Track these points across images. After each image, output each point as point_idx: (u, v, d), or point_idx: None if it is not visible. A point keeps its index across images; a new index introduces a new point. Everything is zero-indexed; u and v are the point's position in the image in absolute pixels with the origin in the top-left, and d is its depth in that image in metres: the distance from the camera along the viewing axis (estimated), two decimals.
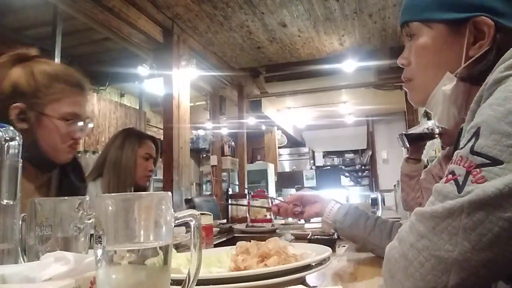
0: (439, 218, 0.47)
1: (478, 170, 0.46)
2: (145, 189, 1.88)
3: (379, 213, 1.98)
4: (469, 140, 0.49)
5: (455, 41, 0.66)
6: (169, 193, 0.45)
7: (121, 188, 1.74)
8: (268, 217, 1.96)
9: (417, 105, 0.78)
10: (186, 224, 0.46)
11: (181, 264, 0.65)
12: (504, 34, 0.62)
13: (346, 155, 9.21)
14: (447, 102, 0.69)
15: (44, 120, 1.04)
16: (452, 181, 0.49)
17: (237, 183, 5.98)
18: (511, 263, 0.45)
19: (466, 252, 0.45)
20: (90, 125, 1.19)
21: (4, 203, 0.56)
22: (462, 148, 0.50)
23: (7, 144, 0.57)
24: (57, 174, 1.18)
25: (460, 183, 0.47)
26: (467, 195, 0.46)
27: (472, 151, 0.48)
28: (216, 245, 1.30)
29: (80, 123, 1.11)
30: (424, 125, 1.81)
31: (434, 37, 0.69)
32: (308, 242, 1.04)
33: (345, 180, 8.64)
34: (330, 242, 1.16)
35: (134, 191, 1.86)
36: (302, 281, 0.66)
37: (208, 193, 6.55)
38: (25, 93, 1.01)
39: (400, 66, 0.78)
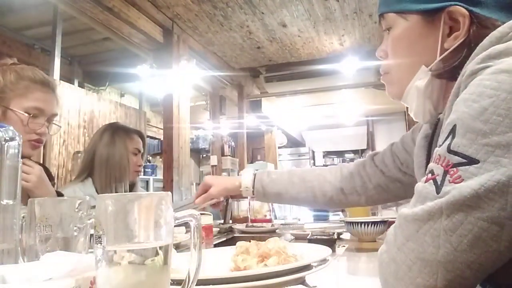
0: (420, 221, 0.47)
1: (455, 169, 0.46)
2: (134, 184, 1.85)
3: (379, 213, 1.98)
4: (446, 138, 0.49)
5: (430, 32, 0.64)
6: (169, 193, 0.45)
7: (116, 185, 1.70)
8: (268, 217, 1.96)
9: (394, 99, 0.75)
10: (186, 224, 0.46)
11: (181, 264, 0.65)
12: (480, 25, 0.59)
13: (346, 155, 9.20)
14: (422, 98, 0.68)
15: (10, 113, 1.15)
16: (431, 180, 0.48)
17: None
18: (495, 264, 0.45)
19: (449, 254, 0.44)
20: (57, 125, 1.28)
21: (4, 203, 0.56)
22: (440, 146, 0.49)
23: (7, 144, 0.57)
24: None
25: (439, 183, 0.47)
26: (444, 196, 0.45)
27: (449, 150, 0.47)
28: (216, 245, 1.30)
29: (43, 119, 1.21)
30: None
31: (409, 28, 0.67)
32: (308, 242, 1.04)
33: None
34: (330, 242, 1.17)
35: (131, 186, 1.83)
36: (302, 281, 0.66)
37: None
38: None
39: (379, 58, 0.77)
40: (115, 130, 1.78)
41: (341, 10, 3.57)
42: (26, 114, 1.17)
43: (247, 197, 1.94)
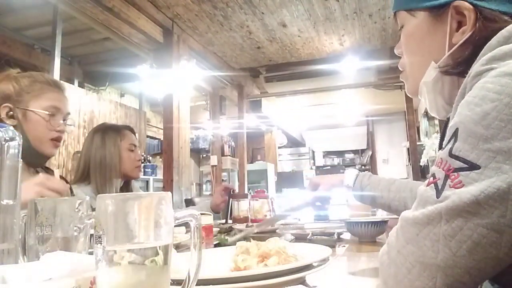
0: (420, 224, 0.47)
1: (456, 174, 0.45)
2: (131, 181, 1.85)
3: (379, 213, 1.98)
4: (448, 141, 0.48)
5: (438, 28, 0.64)
6: (169, 193, 0.45)
7: (109, 187, 1.68)
8: (268, 217, 1.96)
9: (412, 96, 0.75)
10: (186, 224, 0.46)
11: (181, 264, 0.65)
12: (486, 18, 0.58)
13: (346, 155, 9.21)
14: (432, 93, 0.68)
15: (30, 114, 1.21)
16: (432, 184, 0.48)
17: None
18: (494, 270, 0.45)
19: (447, 259, 0.44)
20: (71, 125, 1.34)
21: (4, 203, 0.56)
22: (443, 149, 0.49)
23: (7, 144, 0.57)
24: None
25: (439, 187, 0.47)
26: (444, 201, 0.45)
27: (451, 154, 0.47)
28: (216, 245, 1.30)
29: (60, 117, 1.28)
30: None
31: (417, 25, 0.68)
32: (308, 242, 1.04)
33: None
34: (330, 242, 1.17)
35: (125, 185, 1.82)
36: (302, 281, 0.66)
37: (208, 193, 6.55)
38: (11, 95, 1.20)
39: (398, 55, 0.78)
40: (104, 131, 1.76)
41: (341, 10, 3.57)
42: (47, 112, 1.23)
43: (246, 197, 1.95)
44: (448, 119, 0.67)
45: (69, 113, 1.33)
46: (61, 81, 1.36)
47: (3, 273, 0.45)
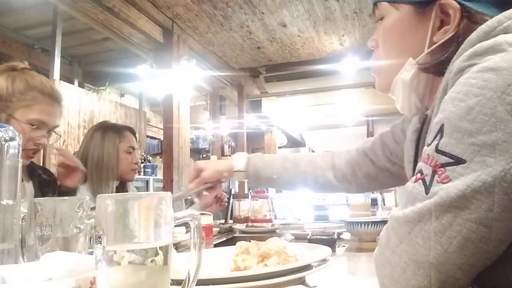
0: (411, 222, 0.47)
1: (443, 169, 0.46)
2: (126, 183, 1.82)
3: (379, 213, 1.98)
4: (434, 137, 0.48)
5: (420, 24, 0.63)
6: (169, 193, 0.45)
7: (105, 187, 1.66)
8: (268, 217, 1.96)
9: (383, 91, 0.73)
10: (186, 224, 0.46)
11: (181, 264, 0.65)
12: (470, 19, 0.57)
13: None
14: (407, 91, 0.67)
15: (12, 122, 1.13)
16: (420, 181, 0.48)
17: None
18: (486, 264, 0.45)
19: (440, 256, 0.44)
20: (58, 134, 1.28)
21: (4, 203, 0.56)
22: (429, 145, 0.49)
23: (7, 144, 0.57)
24: (31, 188, 1.27)
25: (427, 183, 0.47)
26: (433, 197, 0.45)
27: (437, 150, 0.47)
28: (216, 245, 1.30)
29: (44, 130, 1.21)
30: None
31: (399, 19, 0.66)
32: (308, 242, 1.04)
33: None
34: (330, 242, 1.17)
35: (121, 185, 1.80)
36: (302, 281, 0.66)
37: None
38: (1, 95, 1.13)
39: (371, 48, 0.76)
40: (104, 130, 1.74)
41: (341, 10, 3.57)
42: (29, 125, 1.16)
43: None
44: (426, 116, 0.67)
45: (57, 126, 1.27)
46: (59, 92, 1.28)
47: (3, 273, 0.45)
